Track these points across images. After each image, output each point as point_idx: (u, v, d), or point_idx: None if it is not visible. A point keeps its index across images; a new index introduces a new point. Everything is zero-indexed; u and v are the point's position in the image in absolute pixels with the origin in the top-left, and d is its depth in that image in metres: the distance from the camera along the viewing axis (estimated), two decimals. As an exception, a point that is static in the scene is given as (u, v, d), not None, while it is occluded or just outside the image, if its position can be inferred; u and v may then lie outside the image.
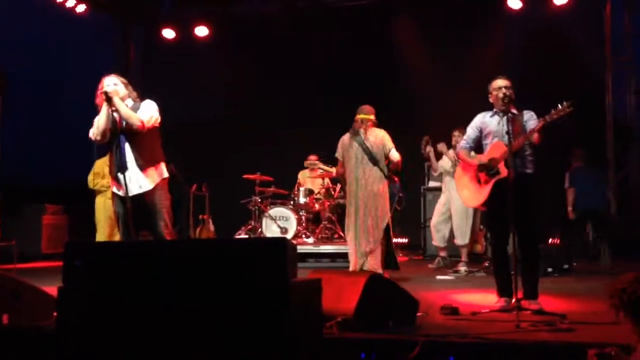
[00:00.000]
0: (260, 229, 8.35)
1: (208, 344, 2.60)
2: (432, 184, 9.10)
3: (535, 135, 4.16)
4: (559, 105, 4.00)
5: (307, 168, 8.88)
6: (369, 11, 10.09)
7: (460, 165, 4.74)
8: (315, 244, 8.06)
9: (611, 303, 2.46)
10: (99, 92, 4.23)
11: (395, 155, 5.83)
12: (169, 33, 10.74)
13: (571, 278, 6.16)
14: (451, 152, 6.88)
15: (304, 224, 8.48)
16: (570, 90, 7.31)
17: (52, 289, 3.32)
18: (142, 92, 4.50)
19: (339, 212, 8.50)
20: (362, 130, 5.81)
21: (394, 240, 6.22)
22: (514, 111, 4.30)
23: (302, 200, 8.42)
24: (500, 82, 4.36)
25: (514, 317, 3.55)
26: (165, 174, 4.40)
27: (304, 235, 8.34)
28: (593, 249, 8.35)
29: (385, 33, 10.30)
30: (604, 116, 8.88)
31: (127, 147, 4.24)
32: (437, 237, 7.26)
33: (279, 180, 9.06)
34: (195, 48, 10.79)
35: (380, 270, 5.53)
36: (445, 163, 7.17)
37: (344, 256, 6.49)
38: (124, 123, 4.24)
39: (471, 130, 4.56)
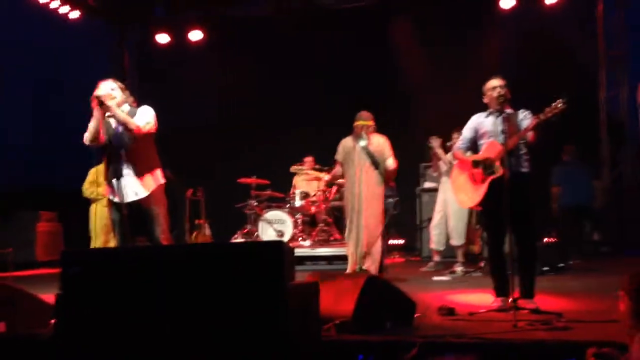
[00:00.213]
0: (256, 233, 8.31)
1: (206, 348, 2.60)
2: (427, 185, 9.11)
3: (530, 134, 4.17)
4: (553, 102, 4.02)
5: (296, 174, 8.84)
6: (367, 12, 10.08)
7: (457, 166, 4.75)
8: (312, 246, 8.03)
9: (620, 288, 2.52)
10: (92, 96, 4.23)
11: (390, 164, 5.93)
12: (162, 38, 10.75)
13: (567, 276, 6.18)
14: (449, 155, 6.88)
15: (300, 227, 8.46)
16: (564, 88, 7.32)
17: (48, 297, 3.32)
18: (136, 97, 4.49)
19: (335, 215, 8.51)
20: (365, 134, 5.90)
21: (390, 242, 6.25)
22: (509, 110, 4.29)
23: (297, 203, 8.40)
24: (494, 82, 4.36)
25: (511, 316, 3.55)
26: (161, 180, 4.37)
27: (300, 239, 8.32)
28: (588, 246, 8.39)
29: (381, 34, 10.30)
30: (597, 113, 8.92)
31: (123, 153, 4.22)
32: (436, 239, 7.24)
33: (276, 183, 9.02)
34: (189, 53, 10.80)
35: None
36: (441, 164, 7.18)
37: (341, 259, 6.51)
38: (120, 128, 4.22)
39: (467, 131, 4.57)
